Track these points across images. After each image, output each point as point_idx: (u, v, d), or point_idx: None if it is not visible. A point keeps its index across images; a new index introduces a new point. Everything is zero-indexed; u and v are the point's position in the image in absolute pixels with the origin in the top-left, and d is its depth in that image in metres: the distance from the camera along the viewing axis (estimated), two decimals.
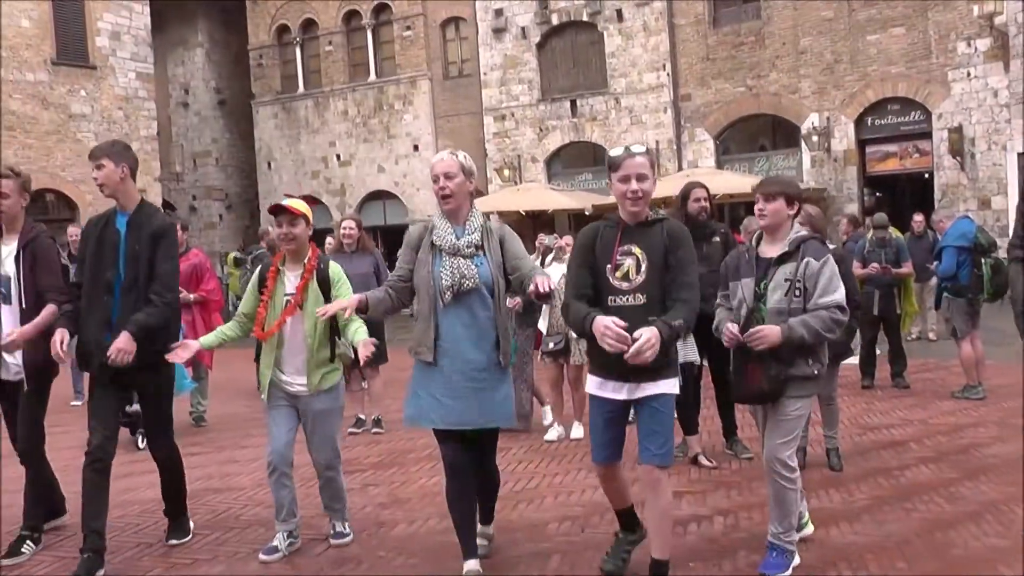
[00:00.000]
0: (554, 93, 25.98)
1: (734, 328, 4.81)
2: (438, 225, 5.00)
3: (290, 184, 30.66)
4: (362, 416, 9.46)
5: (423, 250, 5.00)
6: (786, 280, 4.75)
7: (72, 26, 25.75)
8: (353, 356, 5.45)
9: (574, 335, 8.28)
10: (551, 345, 8.65)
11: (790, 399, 4.76)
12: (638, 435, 4.66)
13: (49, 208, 25.05)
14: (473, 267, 4.87)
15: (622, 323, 4.25)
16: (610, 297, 4.56)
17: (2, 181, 5.83)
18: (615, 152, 4.63)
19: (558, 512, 6.25)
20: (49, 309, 5.75)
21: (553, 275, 8.94)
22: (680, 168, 23.70)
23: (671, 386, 4.60)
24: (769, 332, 4.64)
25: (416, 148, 28.19)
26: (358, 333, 5.27)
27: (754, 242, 4.99)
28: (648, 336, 4.20)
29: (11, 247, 5.87)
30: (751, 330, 4.68)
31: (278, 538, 5.64)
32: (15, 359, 5.83)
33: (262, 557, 5.53)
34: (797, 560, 4.93)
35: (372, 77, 29.01)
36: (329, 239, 10.49)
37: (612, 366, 4.49)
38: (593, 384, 4.73)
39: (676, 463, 7.33)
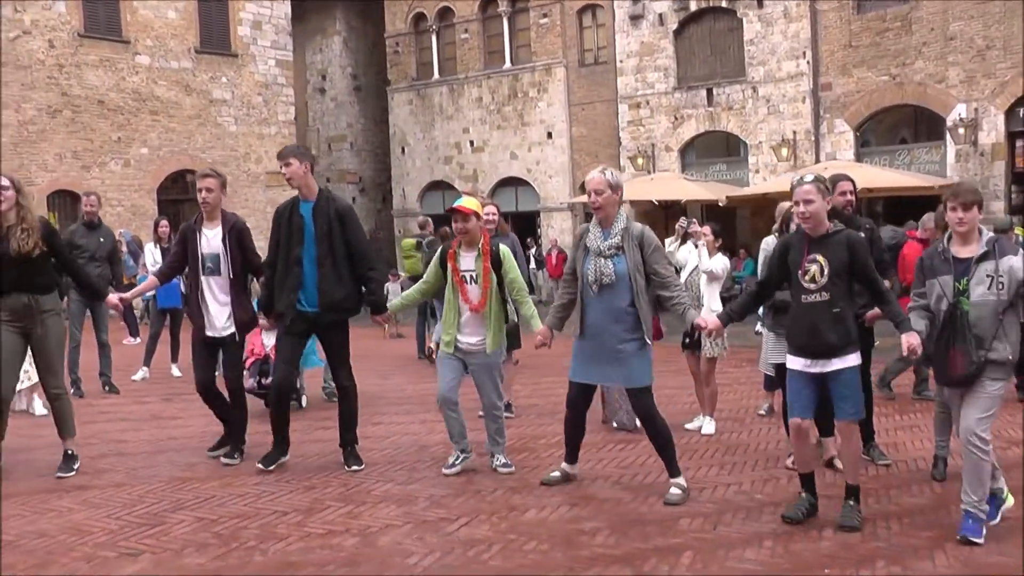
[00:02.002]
0: (690, 81, 25.56)
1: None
2: (591, 230, 6.43)
3: (423, 169, 31.05)
4: None
5: (580, 249, 6.48)
6: (987, 276, 5.36)
7: (216, 16, 26.60)
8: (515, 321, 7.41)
9: None
10: (686, 340, 8.57)
11: (988, 380, 5.36)
12: (833, 400, 5.77)
13: (189, 188, 25.97)
14: (611, 265, 6.25)
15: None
16: (803, 295, 5.71)
17: (208, 180, 7.39)
18: (793, 180, 5.83)
19: (689, 508, 6.15)
20: (151, 280, 8.05)
21: (681, 258, 8.82)
22: (817, 160, 22.98)
23: (854, 359, 5.68)
24: None
25: (550, 136, 28.16)
26: (534, 319, 6.97)
27: (946, 243, 5.58)
28: (917, 343, 5.44)
29: (215, 231, 7.44)
30: None
31: (453, 455, 7.16)
32: (211, 322, 7.46)
33: (444, 471, 7.04)
34: (985, 530, 5.40)
35: (507, 64, 29.10)
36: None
37: (808, 348, 5.70)
38: (795, 363, 5.79)
39: None
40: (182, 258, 7.63)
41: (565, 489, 6.62)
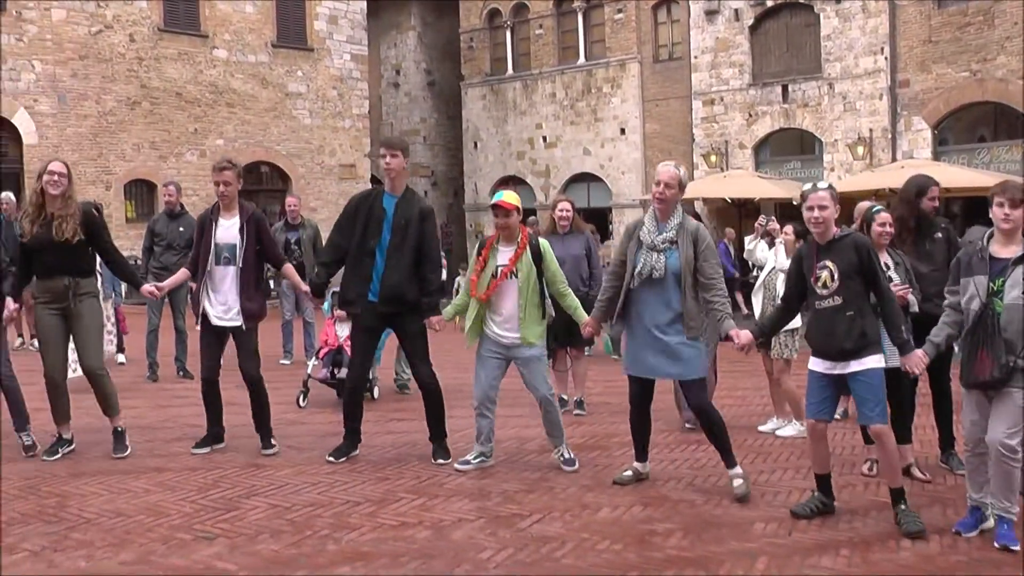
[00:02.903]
0: (765, 78, 25.19)
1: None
2: (646, 223, 6.46)
3: (495, 164, 31.09)
4: (565, 397, 9.45)
5: (633, 241, 6.47)
6: None
7: (293, 11, 26.94)
8: (554, 315, 7.32)
9: None
10: (759, 340, 8.43)
11: (1015, 389, 5.22)
12: (856, 404, 5.90)
13: (264, 179, 26.40)
14: (662, 260, 6.30)
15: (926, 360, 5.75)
16: (816, 301, 5.83)
17: (225, 173, 7.39)
18: (805, 187, 5.89)
19: (764, 512, 6.04)
20: (183, 272, 7.85)
21: (760, 256, 8.69)
22: (894, 159, 22.50)
23: (875, 361, 5.73)
24: None
25: (623, 132, 27.98)
26: (578, 312, 7.00)
27: (985, 242, 5.45)
28: (913, 363, 5.73)
29: (232, 221, 7.42)
30: None
31: (473, 453, 7.14)
32: (224, 310, 7.38)
33: (457, 466, 7.03)
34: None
35: (581, 60, 28.96)
36: (533, 219, 10.69)
37: (827, 350, 5.79)
38: (815, 364, 5.88)
39: None
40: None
41: (638, 489, 6.56)
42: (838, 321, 5.71)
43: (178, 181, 13.77)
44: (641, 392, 6.67)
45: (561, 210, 9.41)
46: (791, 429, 8.39)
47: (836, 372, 5.79)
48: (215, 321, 7.43)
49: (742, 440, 8.17)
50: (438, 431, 7.44)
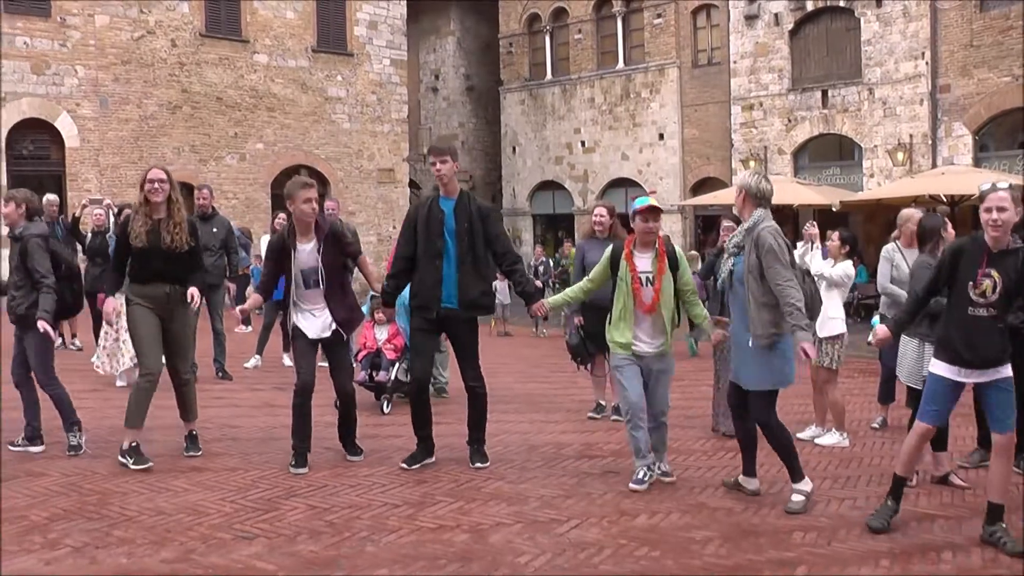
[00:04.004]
0: (805, 82, 25.02)
1: None
2: (737, 229, 6.50)
3: (533, 169, 31.14)
4: (603, 402, 9.42)
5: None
6: None
7: (333, 17, 27.14)
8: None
9: (821, 335, 7.94)
10: None
11: None
12: (988, 411, 5.70)
13: None
14: (731, 264, 6.34)
15: None
16: (969, 307, 5.59)
17: (314, 190, 7.19)
18: (984, 186, 5.58)
19: (803, 521, 6.00)
20: (256, 297, 7.52)
21: (816, 266, 8.56)
22: (934, 165, 22.23)
23: (1009, 370, 5.62)
24: None
25: (661, 137, 27.92)
26: (706, 322, 6.94)
27: None
28: None
29: (310, 245, 7.13)
30: None
31: (641, 472, 6.73)
32: (317, 325, 7.20)
33: (632, 486, 6.64)
34: None
35: (620, 65, 28.95)
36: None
37: (967, 358, 5.59)
38: (946, 370, 5.69)
39: (926, 484, 6.95)
40: (275, 274, 7.44)
41: (676, 496, 6.55)
42: (988, 332, 5.55)
43: (215, 184, 13.85)
44: (737, 400, 6.53)
45: (597, 215, 9.42)
46: (830, 438, 8.32)
47: (970, 380, 5.66)
48: (311, 334, 7.23)
49: None
50: (478, 435, 7.42)
